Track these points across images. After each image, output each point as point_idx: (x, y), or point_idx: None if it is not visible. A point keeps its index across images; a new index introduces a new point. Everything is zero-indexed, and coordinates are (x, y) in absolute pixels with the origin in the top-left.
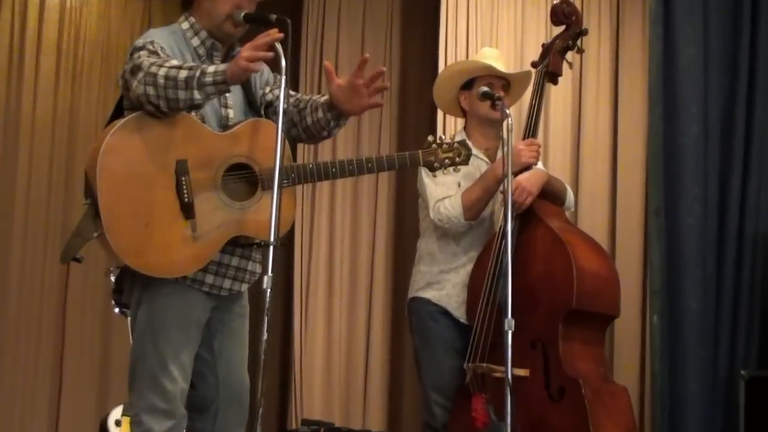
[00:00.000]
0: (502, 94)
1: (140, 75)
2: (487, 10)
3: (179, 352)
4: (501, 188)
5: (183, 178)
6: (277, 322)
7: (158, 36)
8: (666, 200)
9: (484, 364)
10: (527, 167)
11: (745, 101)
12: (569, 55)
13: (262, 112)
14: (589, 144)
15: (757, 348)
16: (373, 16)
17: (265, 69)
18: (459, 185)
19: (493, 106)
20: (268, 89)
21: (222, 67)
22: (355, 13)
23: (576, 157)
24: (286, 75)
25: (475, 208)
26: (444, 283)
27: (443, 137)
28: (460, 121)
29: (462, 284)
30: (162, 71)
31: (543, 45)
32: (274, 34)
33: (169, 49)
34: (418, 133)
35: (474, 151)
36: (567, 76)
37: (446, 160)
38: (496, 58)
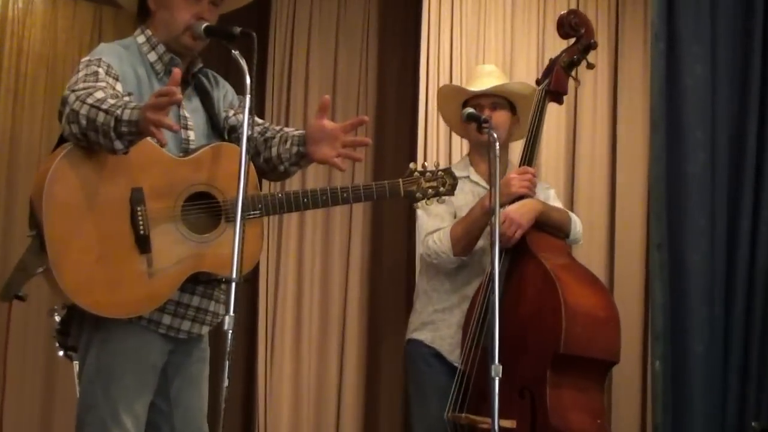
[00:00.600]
0: (487, 114)
1: (66, 110)
2: (473, 23)
3: (133, 401)
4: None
5: (138, 208)
6: (239, 366)
7: (108, 52)
8: (669, 234)
9: (463, 415)
10: (519, 198)
11: (757, 125)
12: (576, 72)
13: (226, 136)
14: (585, 171)
15: None
16: (348, 29)
17: (229, 90)
18: (455, 216)
19: (479, 129)
20: (232, 113)
21: (135, 115)
22: (327, 26)
23: (570, 186)
24: (250, 94)
25: (464, 242)
26: (438, 323)
27: (426, 165)
28: (443, 145)
29: (457, 325)
30: (84, 109)
31: (550, 60)
32: (172, 94)
33: (119, 66)
34: (396, 158)
35: (474, 177)
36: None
37: (429, 190)
38: (487, 75)
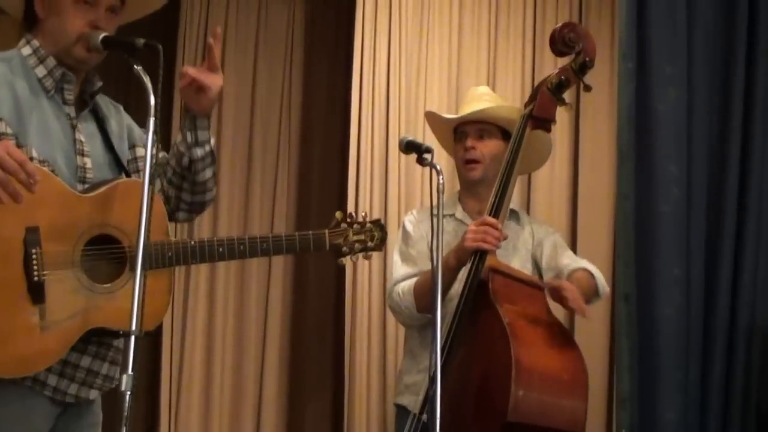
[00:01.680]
0: (470, 144)
1: None
2: (414, 29)
3: None
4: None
5: (33, 251)
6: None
7: None
8: (638, 283)
9: None
10: (481, 254)
11: (739, 157)
12: (568, 95)
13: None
14: (541, 209)
15: None
16: (268, 42)
17: (133, 124)
18: (422, 260)
19: (419, 161)
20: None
21: None
22: (244, 38)
23: None
24: (155, 117)
25: (428, 299)
26: (422, 385)
27: (353, 215)
28: (378, 181)
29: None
30: None
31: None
32: (31, 175)
33: None
34: (323, 191)
35: (460, 215)
36: None
37: (357, 245)
38: (477, 99)
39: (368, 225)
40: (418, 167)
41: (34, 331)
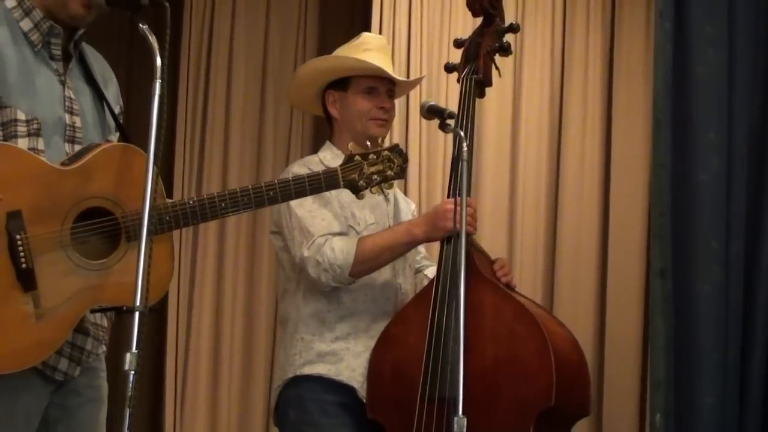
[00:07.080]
0: (387, 105)
1: None
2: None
3: None
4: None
5: (18, 237)
6: (143, 414)
7: None
8: (675, 258)
9: None
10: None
11: None
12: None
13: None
14: (572, 180)
15: None
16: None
17: (113, 79)
18: (341, 221)
19: (442, 127)
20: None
21: None
22: None
23: (554, 198)
24: (162, 80)
25: (370, 265)
26: (341, 353)
27: (368, 144)
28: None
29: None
30: None
31: (455, 41)
32: None
33: None
34: None
35: None
36: (541, 91)
37: (375, 176)
38: (382, 50)
39: (385, 153)
40: (440, 132)
41: (28, 321)
